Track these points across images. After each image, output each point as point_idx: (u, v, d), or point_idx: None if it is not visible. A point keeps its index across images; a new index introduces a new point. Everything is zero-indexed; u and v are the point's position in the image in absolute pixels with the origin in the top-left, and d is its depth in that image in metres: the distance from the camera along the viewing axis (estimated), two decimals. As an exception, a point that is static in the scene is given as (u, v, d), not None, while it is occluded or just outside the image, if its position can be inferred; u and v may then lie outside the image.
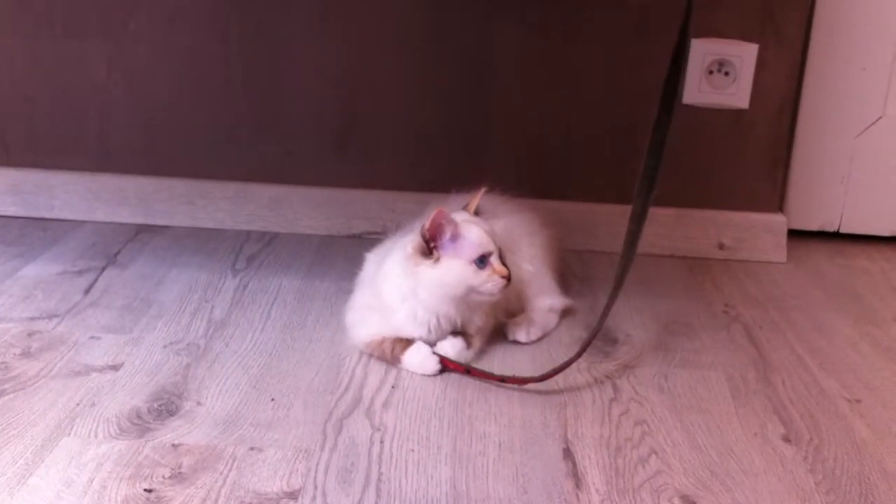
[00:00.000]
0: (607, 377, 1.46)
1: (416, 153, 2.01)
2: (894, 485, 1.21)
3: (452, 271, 1.40)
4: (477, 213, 1.47)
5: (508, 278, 1.41)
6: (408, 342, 1.45)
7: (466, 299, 1.43)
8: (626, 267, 1.43)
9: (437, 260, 1.41)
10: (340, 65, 1.96)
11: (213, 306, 1.64)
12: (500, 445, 1.26)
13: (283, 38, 1.95)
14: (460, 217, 1.43)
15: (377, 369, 1.45)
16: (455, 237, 1.40)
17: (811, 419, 1.36)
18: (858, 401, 1.42)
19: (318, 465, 1.20)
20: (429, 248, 1.41)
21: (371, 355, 1.48)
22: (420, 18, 1.93)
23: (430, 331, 1.45)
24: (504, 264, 1.42)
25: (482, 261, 1.40)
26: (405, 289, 1.43)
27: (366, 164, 2.02)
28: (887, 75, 2.00)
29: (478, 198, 1.48)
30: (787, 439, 1.30)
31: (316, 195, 2.02)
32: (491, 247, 1.41)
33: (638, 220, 1.43)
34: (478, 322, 1.49)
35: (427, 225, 1.39)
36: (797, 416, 1.37)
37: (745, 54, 1.91)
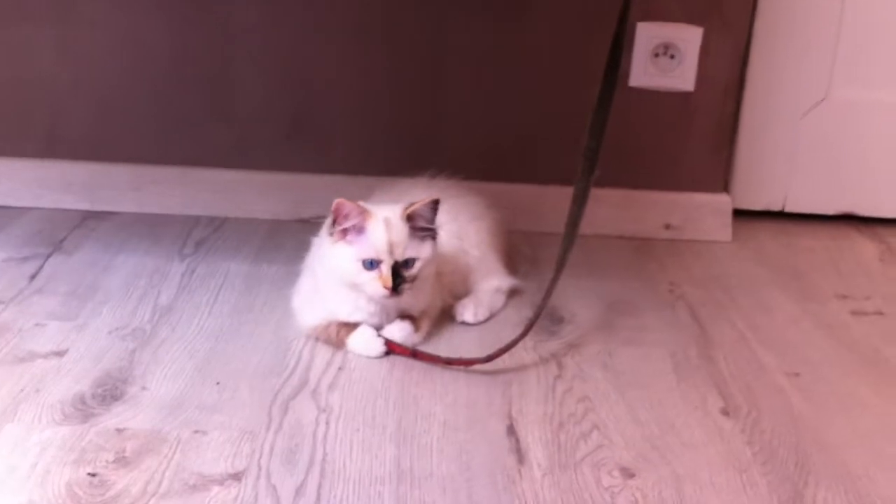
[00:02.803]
0: (552, 355, 1.47)
1: (367, 138, 2.01)
2: (830, 456, 1.24)
3: (340, 258, 1.41)
4: (410, 217, 1.41)
5: (393, 290, 1.38)
6: (353, 326, 1.46)
7: (357, 291, 1.42)
8: (567, 248, 1.45)
9: (335, 241, 1.41)
10: (292, 50, 1.95)
11: (159, 291, 1.63)
12: (444, 424, 1.28)
13: (234, 23, 1.94)
14: (388, 213, 1.41)
15: (324, 352, 1.45)
16: (360, 228, 1.40)
17: (750, 393, 1.39)
18: (797, 375, 1.45)
19: (262, 446, 1.21)
20: (332, 226, 1.41)
21: (318, 339, 1.48)
22: (372, 4, 1.93)
23: (370, 314, 1.45)
24: (400, 276, 1.38)
25: (372, 263, 1.39)
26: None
27: (317, 150, 2.01)
28: (830, 57, 2.03)
29: (420, 203, 1.41)
30: (725, 413, 1.33)
31: (266, 180, 2.01)
32: (383, 256, 1.39)
33: (580, 202, 1.45)
34: (421, 305, 1.49)
35: (333, 205, 1.39)
36: (736, 390, 1.39)
37: (690, 37, 1.93)
